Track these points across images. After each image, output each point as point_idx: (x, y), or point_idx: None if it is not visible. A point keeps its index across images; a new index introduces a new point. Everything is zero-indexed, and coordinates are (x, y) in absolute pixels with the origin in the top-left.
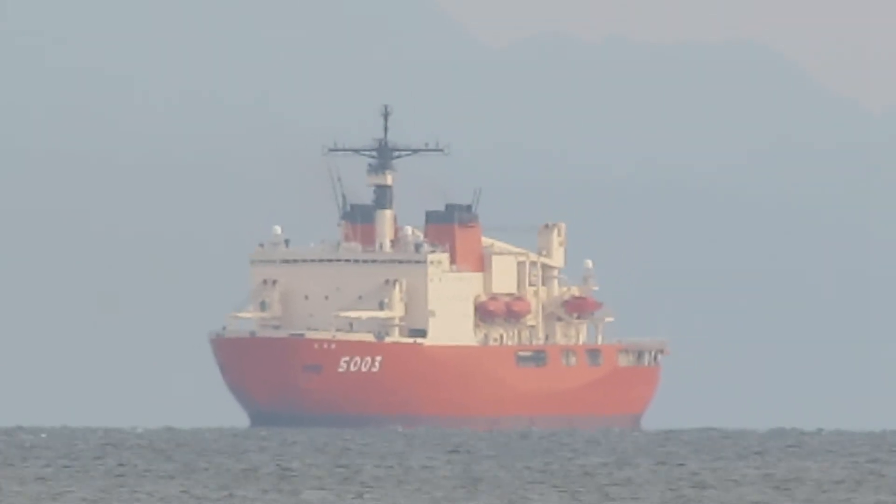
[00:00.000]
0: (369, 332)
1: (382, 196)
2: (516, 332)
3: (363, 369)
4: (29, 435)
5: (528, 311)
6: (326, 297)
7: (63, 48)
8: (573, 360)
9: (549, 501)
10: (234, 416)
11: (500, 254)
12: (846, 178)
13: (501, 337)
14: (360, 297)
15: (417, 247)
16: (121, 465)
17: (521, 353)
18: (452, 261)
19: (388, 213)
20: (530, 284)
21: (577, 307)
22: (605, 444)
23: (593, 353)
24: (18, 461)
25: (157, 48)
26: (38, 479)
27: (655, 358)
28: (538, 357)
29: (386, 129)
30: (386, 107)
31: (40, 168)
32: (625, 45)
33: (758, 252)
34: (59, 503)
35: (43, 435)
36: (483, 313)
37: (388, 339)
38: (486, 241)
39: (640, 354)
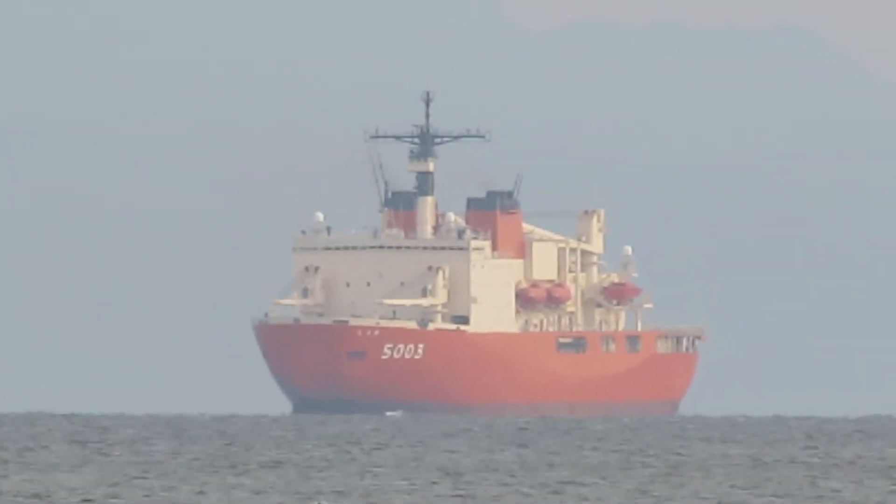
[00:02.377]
0: (412, 319)
1: (424, 182)
2: (556, 318)
3: (406, 356)
4: (112, 421)
5: (568, 298)
6: (368, 284)
7: (138, 39)
8: (612, 346)
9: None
10: (278, 404)
11: (541, 240)
12: (886, 156)
13: (542, 323)
14: (402, 284)
15: (460, 233)
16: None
17: (562, 340)
18: (494, 247)
19: (429, 199)
20: (570, 271)
21: (617, 293)
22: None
23: (632, 339)
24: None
25: (212, 39)
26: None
27: (693, 344)
28: (578, 343)
29: (427, 115)
30: (428, 93)
31: (92, 153)
32: (665, 29)
33: (799, 237)
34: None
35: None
36: (524, 300)
37: (431, 326)
38: (526, 227)
39: (678, 341)
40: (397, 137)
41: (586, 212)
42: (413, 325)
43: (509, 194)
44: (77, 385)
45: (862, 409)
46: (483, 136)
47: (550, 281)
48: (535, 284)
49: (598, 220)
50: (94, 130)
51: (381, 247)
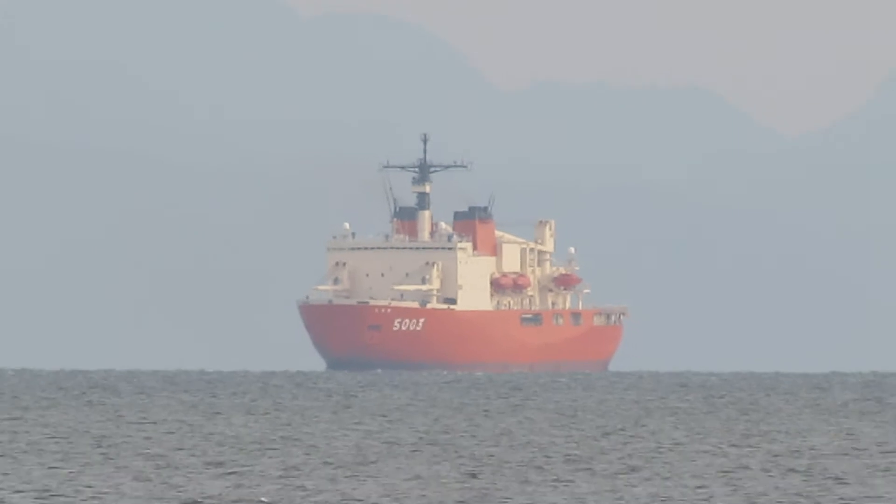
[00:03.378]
0: (415, 300)
1: (423, 201)
2: (520, 300)
3: (411, 328)
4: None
5: (529, 285)
6: (382, 275)
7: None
8: (561, 321)
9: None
10: (315, 363)
11: (508, 243)
12: (765, 181)
13: (509, 304)
14: (406, 275)
15: (449, 238)
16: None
17: (524, 316)
18: (474, 248)
19: (426, 213)
20: (529, 265)
21: (564, 282)
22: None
23: (575, 315)
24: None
25: (254, 86)
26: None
27: (619, 319)
28: (536, 318)
29: (425, 151)
30: (425, 134)
31: (171, 179)
32: (605, 88)
33: (698, 241)
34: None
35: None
36: (496, 286)
37: (428, 306)
38: (497, 233)
39: (608, 316)
40: (402, 167)
41: (541, 222)
42: (416, 305)
43: (485, 209)
44: (177, 349)
45: (738, 367)
46: (466, 167)
47: (515, 272)
48: (504, 275)
49: (550, 229)
50: (177, 161)
51: (391, 247)
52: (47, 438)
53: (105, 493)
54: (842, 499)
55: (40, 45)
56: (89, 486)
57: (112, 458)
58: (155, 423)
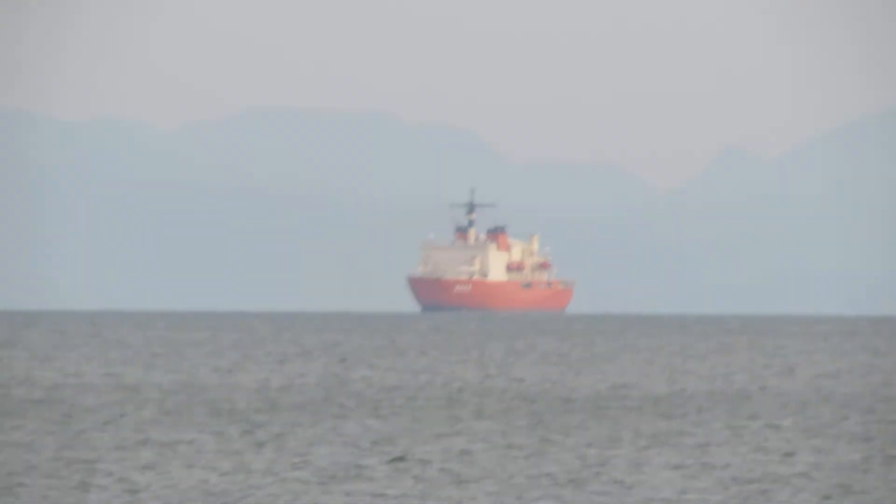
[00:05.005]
0: (467, 276)
1: (470, 223)
2: (520, 275)
3: (465, 290)
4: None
5: (525, 268)
6: (449, 262)
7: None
8: (541, 286)
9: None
10: (413, 307)
11: (515, 245)
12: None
13: (514, 277)
14: (462, 262)
15: (484, 243)
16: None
17: (522, 283)
18: (497, 248)
19: (472, 230)
20: (525, 257)
21: (543, 266)
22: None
23: (549, 283)
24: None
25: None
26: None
27: (570, 285)
28: (528, 285)
29: (472, 193)
30: (472, 190)
31: (281, 209)
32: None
33: (622, 231)
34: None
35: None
36: (508, 268)
37: (474, 278)
38: (509, 240)
39: (566, 284)
40: (461, 205)
41: (532, 235)
42: (467, 279)
43: (503, 228)
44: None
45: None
46: (494, 205)
47: (518, 261)
48: (512, 262)
49: (536, 239)
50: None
51: (454, 247)
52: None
53: None
54: None
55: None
56: None
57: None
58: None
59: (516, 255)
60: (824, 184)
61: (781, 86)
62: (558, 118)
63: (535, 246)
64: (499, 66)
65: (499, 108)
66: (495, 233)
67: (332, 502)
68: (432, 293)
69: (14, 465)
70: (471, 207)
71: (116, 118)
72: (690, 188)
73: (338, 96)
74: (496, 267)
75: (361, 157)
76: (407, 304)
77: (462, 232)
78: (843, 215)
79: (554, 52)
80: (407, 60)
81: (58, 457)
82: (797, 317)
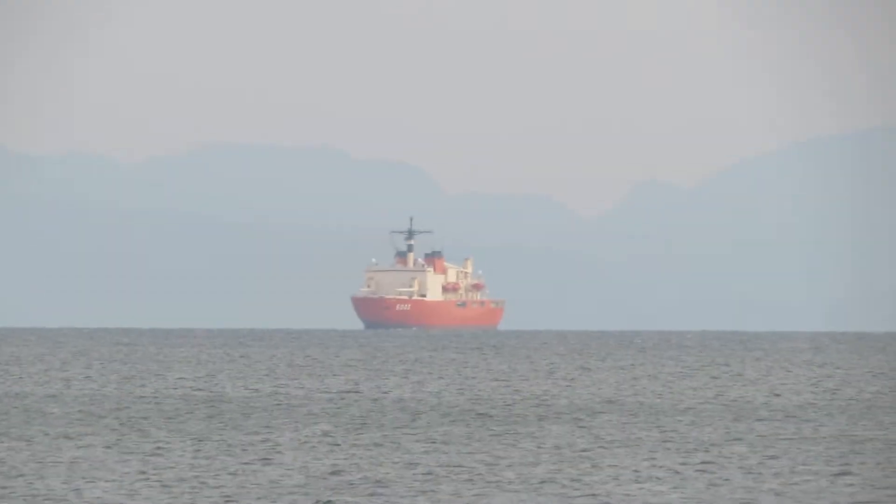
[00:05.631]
0: (407, 296)
1: (409, 248)
2: (456, 295)
3: (405, 308)
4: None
5: (459, 288)
6: (391, 284)
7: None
8: (475, 305)
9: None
10: (357, 325)
11: (451, 268)
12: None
13: (450, 297)
14: (402, 283)
15: (422, 266)
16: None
17: (457, 303)
18: (434, 271)
19: (411, 254)
20: (460, 279)
21: (476, 287)
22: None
23: (483, 302)
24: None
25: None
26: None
27: (501, 304)
28: (463, 304)
29: (411, 221)
30: (411, 218)
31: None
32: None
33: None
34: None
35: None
36: (444, 289)
37: (413, 298)
38: (446, 264)
39: (497, 303)
40: (400, 231)
41: (466, 259)
42: (407, 297)
43: (439, 252)
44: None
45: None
46: (431, 232)
47: (453, 282)
48: (448, 284)
49: (470, 262)
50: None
51: (395, 270)
52: None
53: None
54: None
55: None
56: None
57: None
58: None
59: (452, 277)
60: (733, 212)
61: (699, 118)
62: (491, 152)
63: (469, 269)
64: (436, 103)
65: (436, 143)
66: (432, 257)
67: None
68: (375, 312)
69: None
70: (410, 234)
71: (78, 151)
72: (613, 216)
73: (293, 134)
74: (433, 288)
75: (311, 189)
76: (350, 322)
77: (402, 257)
78: (748, 241)
79: (488, 89)
80: (357, 99)
81: None
82: (710, 332)
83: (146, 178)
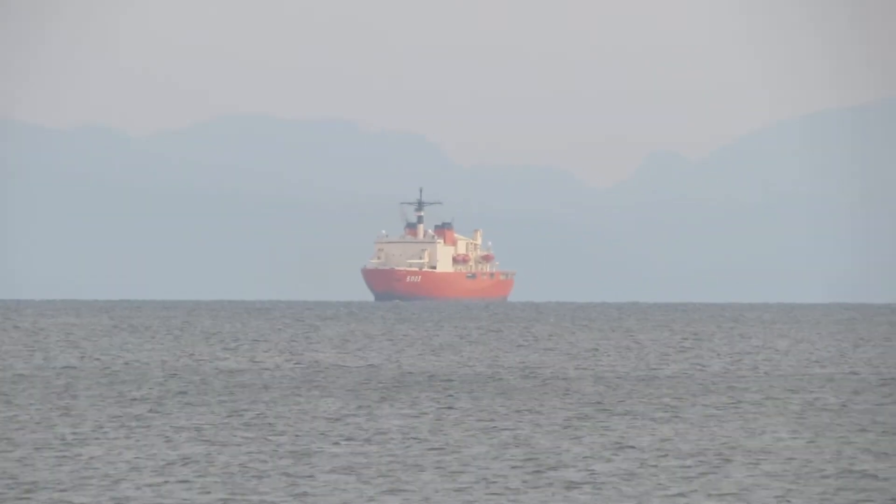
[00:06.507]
0: (417, 267)
1: (419, 220)
2: (465, 267)
3: (415, 280)
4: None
5: (469, 260)
6: (401, 255)
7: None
8: (484, 276)
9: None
10: (367, 297)
11: (461, 239)
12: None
13: (460, 269)
14: (412, 255)
15: (432, 237)
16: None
17: (467, 275)
18: (444, 242)
19: (421, 226)
20: (470, 251)
21: (486, 258)
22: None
23: (492, 274)
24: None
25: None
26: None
27: (511, 276)
28: (473, 276)
29: (421, 192)
30: (421, 190)
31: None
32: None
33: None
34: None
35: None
36: (454, 261)
37: (423, 269)
38: (455, 235)
39: (507, 275)
40: (410, 203)
41: (475, 230)
42: (417, 269)
43: (449, 224)
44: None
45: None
46: (441, 203)
47: (463, 254)
48: (458, 255)
49: (480, 233)
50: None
51: (405, 241)
52: None
53: None
54: None
55: None
56: None
57: None
58: None
59: (461, 248)
60: (743, 184)
61: (707, 92)
62: (500, 123)
63: (479, 240)
64: (448, 76)
65: (447, 114)
66: (442, 228)
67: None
68: (385, 283)
69: None
70: (420, 205)
71: (92, 125)
72: (623, 187)
73: (304, 106)
74: (443, 259)
75: (323, 162)
76: (361, 293)
77: (412, 228)
78: (768, 215)
79: (499, 60)
80: (369, 73)
81: None
82: (723, 304)
83: (156, 150)
